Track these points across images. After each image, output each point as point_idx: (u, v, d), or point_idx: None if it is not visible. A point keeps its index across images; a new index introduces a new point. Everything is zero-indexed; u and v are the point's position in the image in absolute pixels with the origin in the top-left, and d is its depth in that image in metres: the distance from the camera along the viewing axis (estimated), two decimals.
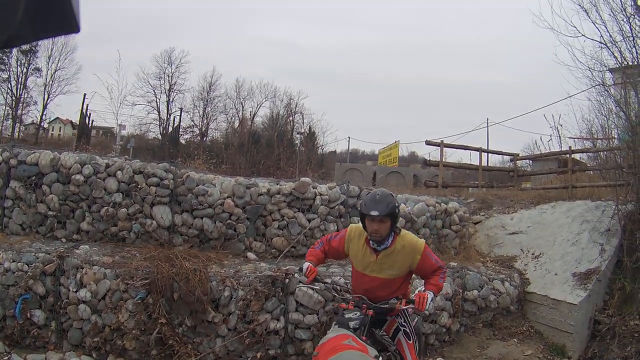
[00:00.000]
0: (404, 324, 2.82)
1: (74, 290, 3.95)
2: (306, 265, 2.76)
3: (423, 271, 2.77)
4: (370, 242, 2.70)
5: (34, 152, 4.55)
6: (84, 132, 17.49)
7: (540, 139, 24.28)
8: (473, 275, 4.62)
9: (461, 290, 4.47)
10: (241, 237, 4.66)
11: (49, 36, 0.62)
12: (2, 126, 21.97)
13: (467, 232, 5.57)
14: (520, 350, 4.84)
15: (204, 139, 24.30)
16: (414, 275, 2.96)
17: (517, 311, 4.96)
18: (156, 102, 25.39)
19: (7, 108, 22.72)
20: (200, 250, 4.38)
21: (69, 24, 0.59)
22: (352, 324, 2.53)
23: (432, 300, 2.62)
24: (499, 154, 12.71)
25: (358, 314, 2.59)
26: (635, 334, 4.67)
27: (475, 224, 5.76)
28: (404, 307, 2.62)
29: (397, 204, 2.65)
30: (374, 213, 2.54)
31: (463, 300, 4.49)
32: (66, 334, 4.07)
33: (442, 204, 5.51)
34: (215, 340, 3.79)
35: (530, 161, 11.89)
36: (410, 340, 2.80)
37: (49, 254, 4.09)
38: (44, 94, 23.71)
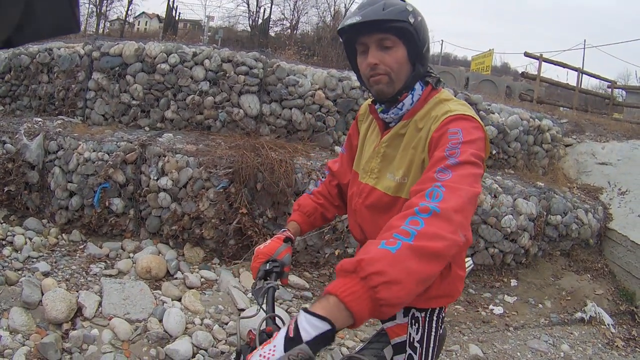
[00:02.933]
0: (418, 341, 1.36)
1: (155, 178, 3.97)
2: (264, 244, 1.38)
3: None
4: (376, 105, 1.32)
5: (117, 44, 4.56)
6: (170, 24, 17.04)
7: (635, 73, 22.41)
8: (559, 199, 4.41)
9: (545, 213, 4.28)
10: (330, 130, 4.56)
11: (49, 36, 0.60)
12: (86, 23, 22.42)
13: (557, 154, 5.36)
14: (592, 288, 4.68)
15: (294, 32, 23.71)
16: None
17: (595, 246, 4.77)
18: None
19: (91, 5, 23.04)
20: (287, 141, 4.31)
21: (69, 24, 0.58)
22: None
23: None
24: (597, 78, 11.84)
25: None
26: None
27: (566, 146, 5.52)
28: None
29: (411, 10, 1.19)
30: (354, 19, 1.16)
31: (545, 224, 4.31)
32: (144, 222, 4.14)
33: (536, 119, 5.26)
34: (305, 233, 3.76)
35: (624, 92, 11.21)
36: None
37: (131, 142, 4.11)
38: None
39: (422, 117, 1.22)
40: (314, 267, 3.83)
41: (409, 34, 1.18)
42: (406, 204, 0.93)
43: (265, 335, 1.07)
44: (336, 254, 3.74)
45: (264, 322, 1.11)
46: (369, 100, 1.40)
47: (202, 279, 3.84)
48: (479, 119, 1.14)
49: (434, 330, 1.39)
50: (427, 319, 1.37)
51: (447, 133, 1.07)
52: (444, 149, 1.03)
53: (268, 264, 1.32)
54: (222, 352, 3.13)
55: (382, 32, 1.17)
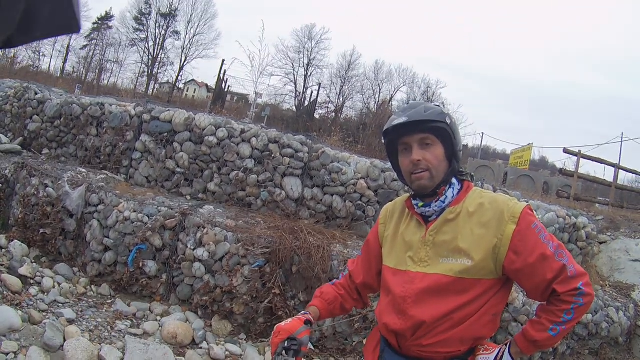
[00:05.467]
0: None
1: (192, 248, 4.07)
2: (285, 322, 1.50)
3: (526, 273, 1.30)
4: (414, 202, 1.45)
5: (168, 110, 4.75)
6: (219, 96, 17.95)
7: None
8: None
9: None
10: (369, 219, 4.60)
11: (49, 36, 0.62)
12: (137, 82, 23.40)
13: (591, 251, 5.33)
14: None
15: (339, 116, 24.33)
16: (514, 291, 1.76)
17: (624, 344, 4.67)
18: (294, 75, 26.42)
19: (144, 66, 24.00)
20: (325, 227, 4.37)
21: (69, 24, 0.59)
22: None
23: None
24: (633, 173, 11.83)
25: None
26: None
27: (601, 243, 5.49)
28: None
29: (447, 113, 1.42)
30: (401, 119, 1.38)
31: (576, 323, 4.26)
32: (175, 288, 4.21)
33: (572, 217, 5.25)
34: (325, 320, 3.79)
35: None
36: None
37: (172, 209, 4.23)
38: (181, 56, 25.57)
39: (477, 203, 1.38)
40: (340, 354, 3.83)
41: (446, 133, 1.39)
42: (559, 294, 1.27)
43: None
44: (364, 342, 3.73)
45: None
46: (402, 198, 1.56)
47: (227, 352, 3.86)
48: (525, 203, 1.41)
49: None
50: None
51: (533, 228, 1.31)
52: (546, 246, 1.29)
53: (287, 342, 1.42)
54: None
55: (424, 132, 1.38)
